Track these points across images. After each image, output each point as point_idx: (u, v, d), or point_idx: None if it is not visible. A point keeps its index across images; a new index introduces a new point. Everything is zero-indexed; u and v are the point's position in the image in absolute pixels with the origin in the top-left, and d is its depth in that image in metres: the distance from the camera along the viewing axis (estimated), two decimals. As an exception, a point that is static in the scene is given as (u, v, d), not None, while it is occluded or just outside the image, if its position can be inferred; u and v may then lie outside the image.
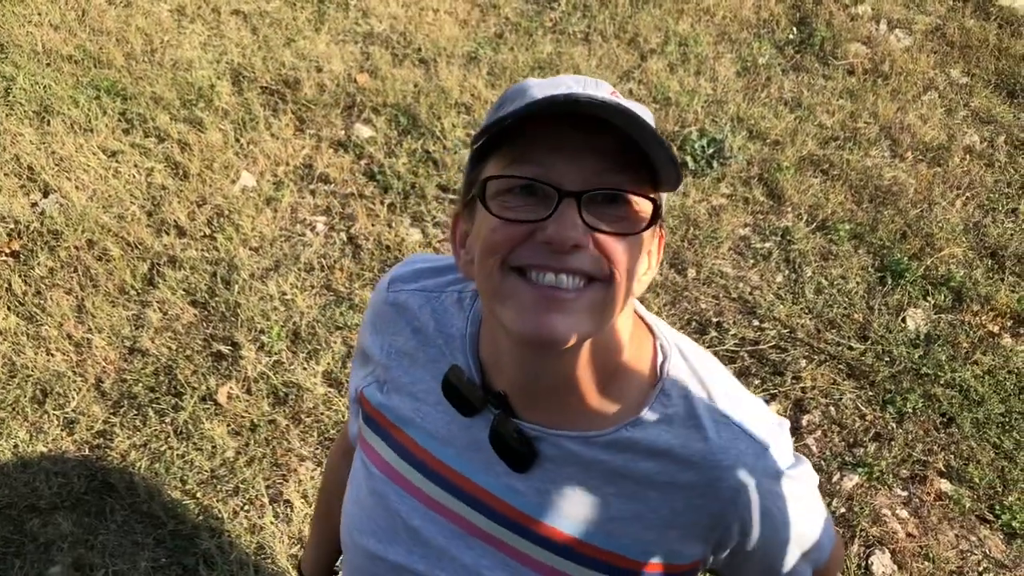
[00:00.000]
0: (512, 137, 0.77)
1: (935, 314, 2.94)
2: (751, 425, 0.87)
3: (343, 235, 3.05)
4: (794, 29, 4.18)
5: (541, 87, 0.80)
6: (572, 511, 0.88)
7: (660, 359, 0.89)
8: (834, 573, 1.02)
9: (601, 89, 0.82)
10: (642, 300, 2.86)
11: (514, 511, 0.89)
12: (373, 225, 3.07)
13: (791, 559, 0.94)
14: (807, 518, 0.94)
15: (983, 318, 2.93)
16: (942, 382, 2.71)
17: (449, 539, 0.92)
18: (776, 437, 0.90)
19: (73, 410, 2.50)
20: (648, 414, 0.86)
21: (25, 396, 2.51)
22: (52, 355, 2.62)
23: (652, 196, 0.78)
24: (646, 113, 0.81)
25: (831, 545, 0.99)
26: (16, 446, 2.41)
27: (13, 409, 2.49)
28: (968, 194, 3.41)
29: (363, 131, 3.42)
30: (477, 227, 0.82)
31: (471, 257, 0.84)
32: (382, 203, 3.15)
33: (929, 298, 2.99)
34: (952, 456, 2.54)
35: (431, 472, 0.93)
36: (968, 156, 3.59)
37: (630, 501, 0.87)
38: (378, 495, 0.96)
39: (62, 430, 2.46)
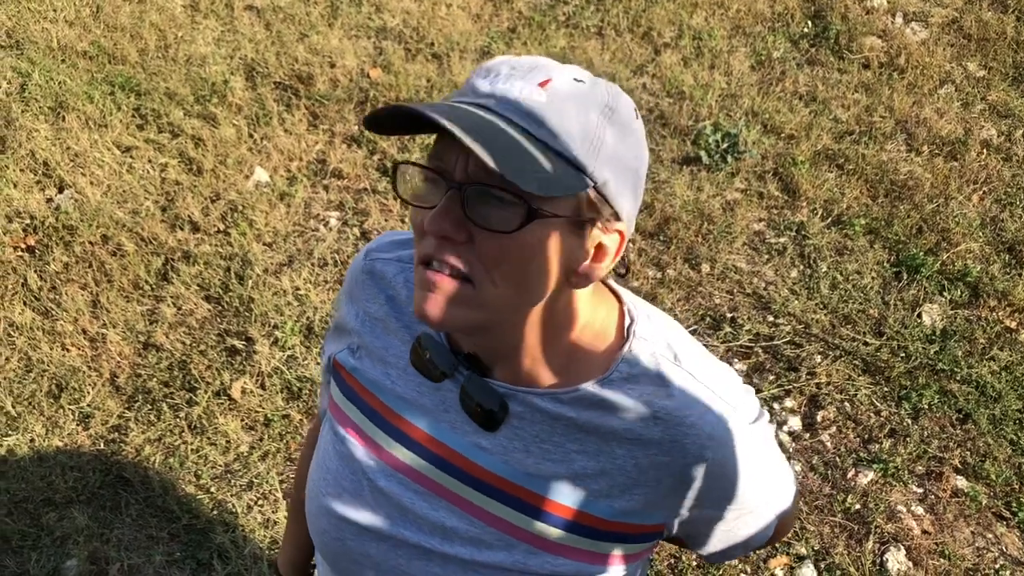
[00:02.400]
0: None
1: (951, 309, 2.92)
2: (716, 384, 0.89)
3: (356, 230, 3.05)
4: (809, 23, 4.15)
5: (477, 73, 0.79)
6: (537, 468, 0.89)
7: (628, 322, 0.91)
8: (794, 519, 1.03)
9: (531, 77, 0.76)
10: (655, 296, 2.85)
11: (480, 469, 0.91)
12: (386, 220, 3.07)
13: (757, 511, 0.96)
14: (770, 471, 0.96)
15: (1000, 313, 2.91)
16: (958, 378, 2.69)
17: (414, 499, 0.93)
18: (741, 396, 0.92)
19: (88, 405, 2.51)
20: (615, 372, 0.87)
21: (41, 391, 2.53)
22: (67, 350, 2.63)
23: (526, 198, 0.73)
24: (565, 113, 0.75)
25: (792, 493, 1.01)
26: (32, 440, 2.42)
27: (29, 403, 2.51)
28: (985, 188, 3.38)
29: (376, 126, 3.42)
30: None
31: None
32: (395, 198, 3.15)
33: (945, 293, 2.96)
34: (968, 453, 2.52)
35: (399, 434, 0.94)
36: (985, 150, 3.55)
37: (595, 458, 0.88)
38: (345, 458, 0.97)
39: (77, 424, 2.48)
